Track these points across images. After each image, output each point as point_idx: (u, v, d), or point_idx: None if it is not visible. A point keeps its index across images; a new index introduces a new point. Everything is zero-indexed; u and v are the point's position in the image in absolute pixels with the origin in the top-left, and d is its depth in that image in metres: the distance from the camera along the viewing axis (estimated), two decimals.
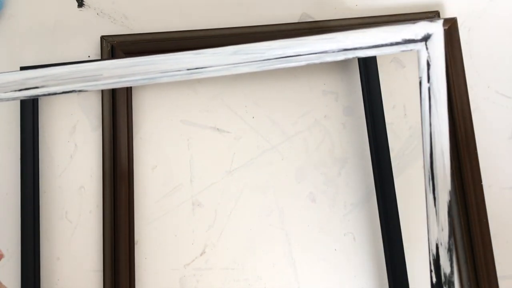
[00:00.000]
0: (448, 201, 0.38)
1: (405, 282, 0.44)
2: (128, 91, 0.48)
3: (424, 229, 0.48)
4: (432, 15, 0.51)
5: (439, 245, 0.38)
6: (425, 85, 0.38)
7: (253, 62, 0.37)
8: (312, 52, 0.37)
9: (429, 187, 0.38)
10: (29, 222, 0.44)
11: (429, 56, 0.38)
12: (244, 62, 0.37)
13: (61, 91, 0.37)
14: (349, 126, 0.49)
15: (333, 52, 0.37)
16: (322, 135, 0.49)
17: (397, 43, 0.38)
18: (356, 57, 0.38)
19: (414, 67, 0.51)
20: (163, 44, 0.47)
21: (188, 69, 0.37)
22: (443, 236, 0.38)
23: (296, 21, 0.50)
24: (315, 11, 0.49)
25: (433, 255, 0.38)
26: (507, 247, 0.48)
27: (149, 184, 0.48)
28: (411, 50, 0.38)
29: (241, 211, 0.48)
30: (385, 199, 0.45)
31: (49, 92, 0.37)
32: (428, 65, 0.38)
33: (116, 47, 0.48)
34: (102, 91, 0.48)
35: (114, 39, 0.48)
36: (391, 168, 0.45)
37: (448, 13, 0.51)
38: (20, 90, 0.37)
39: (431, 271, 0.38)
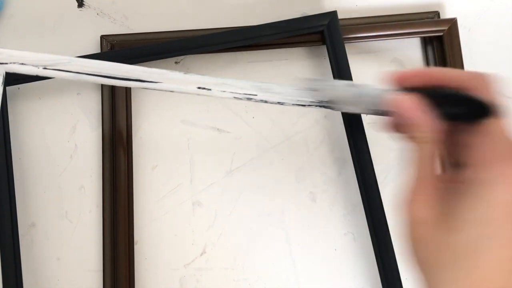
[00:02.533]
0: None
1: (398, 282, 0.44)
2: (127, 91, 0.48)
3: None
4: (432, 15, 0.51)
5: None
6: None
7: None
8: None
9: None
10: (7, 225, 0.43)
11: None
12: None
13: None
14: None
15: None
16: (322, 135, 0.49)
17: None
18: None
19: (414, 67, 0.51)
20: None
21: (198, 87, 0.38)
22: None
23: None
24: (315, 11, 0.49)
25: None
26: None
27: (149, 184, 0.48)
28: None
29: (241, 211, 0.48)
30: (370, 206, 0.45)
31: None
32: None
33: (116, 46, 0.48)
34: (102, 91, 0.48)
35: (114, 38, 0.48)
36: (374, 173, 0.45)
37: (448, 13, 0.51)
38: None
39: None
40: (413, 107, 0.26)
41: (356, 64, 0.49)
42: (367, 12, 0.51)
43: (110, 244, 0.45)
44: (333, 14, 0.48)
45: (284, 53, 0.50)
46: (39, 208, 0.47)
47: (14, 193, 0.45)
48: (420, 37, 0.51)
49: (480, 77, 0.27)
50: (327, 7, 0.51)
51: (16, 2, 0.50)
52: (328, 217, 0.48)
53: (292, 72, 0.50)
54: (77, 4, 0.51)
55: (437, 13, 0.51)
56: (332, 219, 0.48)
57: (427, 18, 0.50)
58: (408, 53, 0.51)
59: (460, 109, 0.27)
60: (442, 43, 0.49)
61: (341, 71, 0.47)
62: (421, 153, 0.26)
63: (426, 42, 0.51)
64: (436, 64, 0.50)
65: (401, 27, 0.49)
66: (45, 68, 0.37)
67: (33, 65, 0.37)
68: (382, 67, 0.50)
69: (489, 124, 0.26)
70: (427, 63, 0.51)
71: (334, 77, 0.48)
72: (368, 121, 0.48)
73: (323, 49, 0.50)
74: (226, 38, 0.47)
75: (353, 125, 0.46)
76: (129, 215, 0.46)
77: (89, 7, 0.51)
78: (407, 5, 0.51)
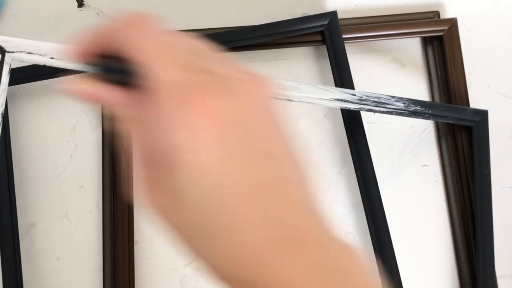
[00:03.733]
0: None
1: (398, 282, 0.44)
2: None
3: (428, 228, 0.48)
4: (432, 15, 0.51)
5: None
6: None
7: None
8: None
9: None
10: (7, 225, 0.43)
11: None
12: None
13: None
14: None
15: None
16: (322, 135, 0.49)
17: None
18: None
19: (414, 67, 0.51)
20: None
21: None
22: None
23: None
24: (315, 11, 0.49)
25: None
26: (507, 246, 0.48)
27: None
28: None
29: None
30: (370, 205, 0.45)
31: None
32: None
33: None
34: None
35: None
36: (374, 172, 0.45)
37: (448, 13, 0.51)
38: None
39: None
40: (90, 90, 0.23)
41: (356, 64, 0.49)
42: (367, 12, 0.51)
43: (110, 244, 0.45)
44: (333, 14, 0.48)
45: (284, 53, 0.50)
46: (39, 208, 0.47)
47: (14, 193, 0.45)
48: (420, 37, 0.51)
49: (122, 29, 0.22)
50: (327, 7, 0.51)
51: (16, 2, 0.50)
52: (328, 217, 0.48)
53: (292, 72, 0.50)
54: (77, 4, 0.51)
55: (437, 13, 0.51)
56: (332, 219, 0.48)
57: (427, 18, 0.50)
58: (408, 53, 0.51)
59: (121, 75, 0.23)
60: (442, 43, 0.49)
61: (341, 71, 0.47)
62: (125, 131, 0.23)
63: (426, 42, 0.51)
64: (436, 64, 0.50)
65: (401, 27, 0.49)
66: (52, 58, 0.37)
67: (40, 55, 0.37)
68: (382, 67, 0.50)
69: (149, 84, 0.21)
70: (427, 63, 0.51)
71: (334, 78, 0.47)
72: (368, 121, 0.48)
73: (323, 49, 0.50)
74: (226, 38, 0.47)
75: (353, 125, 0.46)
76: (129, 215, 0.46)
77: (89, 7, 0.51)
78: (407, 5, 0.51)
